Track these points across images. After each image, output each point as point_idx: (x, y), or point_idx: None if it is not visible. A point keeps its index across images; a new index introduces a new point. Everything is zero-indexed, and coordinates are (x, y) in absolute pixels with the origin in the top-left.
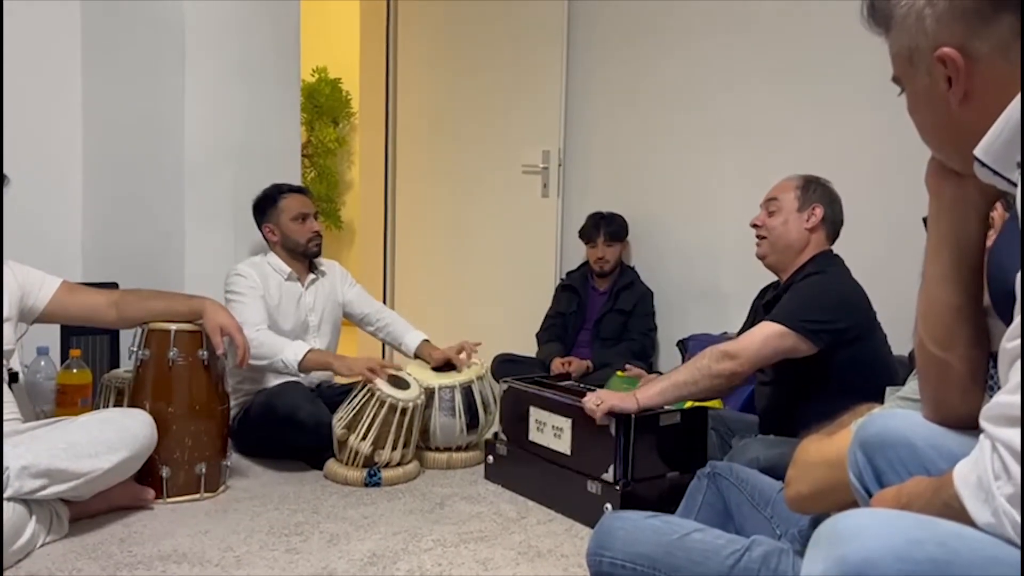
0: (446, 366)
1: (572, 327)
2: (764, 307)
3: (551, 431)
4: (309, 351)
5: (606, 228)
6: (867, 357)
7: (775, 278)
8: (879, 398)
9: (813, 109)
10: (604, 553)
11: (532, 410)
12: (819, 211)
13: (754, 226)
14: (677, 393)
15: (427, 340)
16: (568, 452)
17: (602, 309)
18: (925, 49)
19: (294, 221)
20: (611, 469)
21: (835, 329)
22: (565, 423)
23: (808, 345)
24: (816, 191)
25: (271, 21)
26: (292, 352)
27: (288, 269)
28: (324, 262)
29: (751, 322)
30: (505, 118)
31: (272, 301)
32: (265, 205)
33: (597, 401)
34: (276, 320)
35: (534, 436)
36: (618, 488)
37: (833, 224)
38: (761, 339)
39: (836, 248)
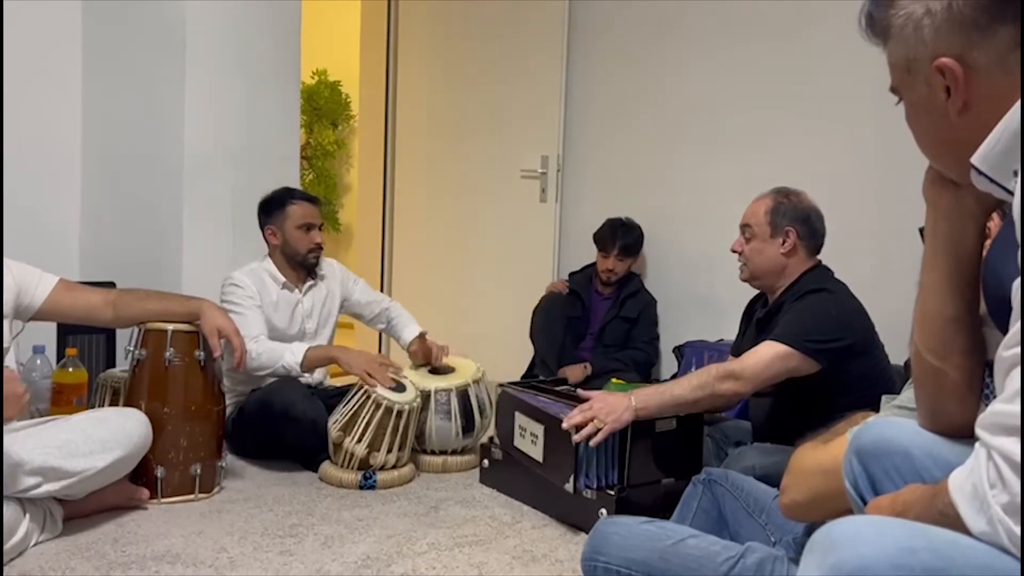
0: (443, 369)
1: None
2: (757, 323)
3: (529, 437)
4: (308, 349)
5: (621, 241)
6: (867, 371)
7: None
8: (876, 407)
9: (812, 118)
10: (599, 558)
11: (516, 415)
12: (792, 235)
13: (735, 251)
14: (676, 409)
15: (423, 335)
16: (540, 459)
17: (607, 316)
18: (923, 59)
19: (299, 229)
20: (572, 479)
21: (838, 348)
22: (539, 429)
23: (811, 364)
24: (787, 213)
25: (272, 23)
26: (291, 355)
27: (283, 278)
28: (323, 262)
29: (743, 335)
30: (504, 123)
31: (269, 309)
32: (272, 207)
33: (600, 425)
34: (274, 328)
35: (517, 442)
36: (612, 493)
37: (812, 239)
38: (766, 360)
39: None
